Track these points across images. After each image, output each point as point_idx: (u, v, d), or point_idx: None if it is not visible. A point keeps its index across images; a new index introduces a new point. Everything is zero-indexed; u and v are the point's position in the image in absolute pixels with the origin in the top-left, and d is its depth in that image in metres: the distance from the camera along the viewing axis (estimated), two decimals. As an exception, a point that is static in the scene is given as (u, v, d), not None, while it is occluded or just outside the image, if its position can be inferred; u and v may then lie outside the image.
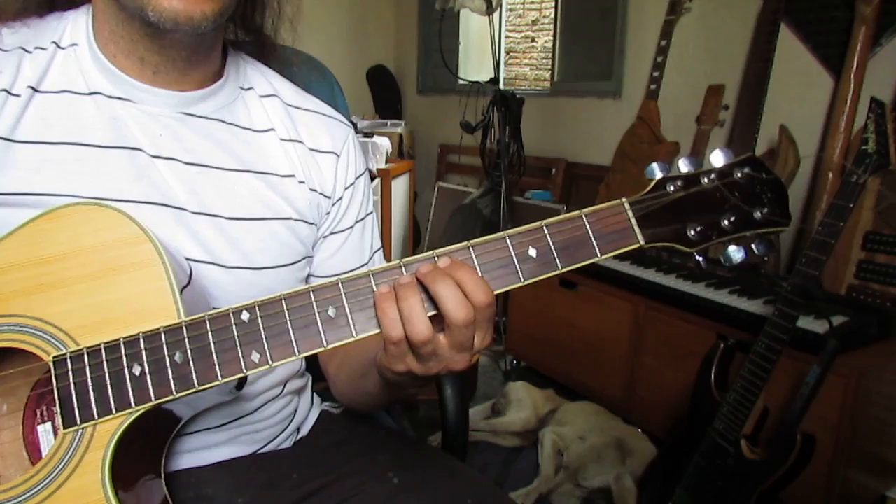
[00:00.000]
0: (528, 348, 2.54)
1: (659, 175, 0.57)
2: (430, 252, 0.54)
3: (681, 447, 1.53)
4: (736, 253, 0.57)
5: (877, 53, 1.97)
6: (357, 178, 0.83)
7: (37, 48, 0.67)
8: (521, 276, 0.54)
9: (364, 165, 0.85)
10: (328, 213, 0.80)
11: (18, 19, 0.69)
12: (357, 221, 0.83)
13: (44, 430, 0.61)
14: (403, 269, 0.53)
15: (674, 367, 1.91)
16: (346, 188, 0.81)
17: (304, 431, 0.87)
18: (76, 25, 0.69)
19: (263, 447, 0.80)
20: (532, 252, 0.54)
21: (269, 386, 0.79)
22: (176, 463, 0.72)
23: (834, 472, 1.52)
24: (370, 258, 0.86)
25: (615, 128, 2.79)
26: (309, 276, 0.82)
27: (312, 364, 0.94)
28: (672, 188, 0.56)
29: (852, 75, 1.94)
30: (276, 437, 0.82)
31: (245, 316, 0.54)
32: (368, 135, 3.05)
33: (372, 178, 0.91)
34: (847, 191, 1.24)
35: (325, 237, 0.81)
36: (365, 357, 0.71)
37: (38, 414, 0.62)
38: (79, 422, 0.54)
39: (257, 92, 0.78)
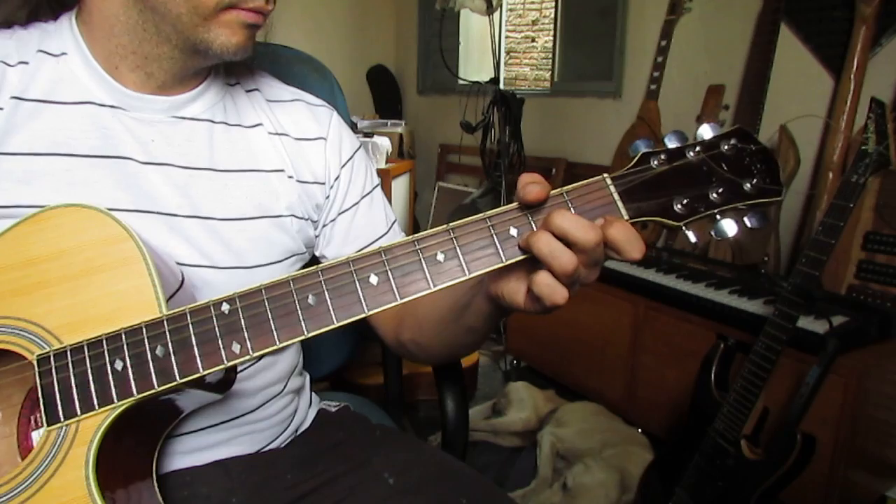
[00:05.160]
0: (528, 348, 2.54)
1: (643, 150, 0.55)
2: (410, 237, 0.54)
3: (681, 447, 1.53)
4: (728, 226, 0.55)
5: (877, 53, 1.97)
6: (353, 154, 0.83)
7: (20, 62, 0.66)
8: (502, 256, 0.52)
9: (357, 142, 0.85)
10: (328, 198, 0.80)
11: (6, 29, 0.68)
12: (363, 196, 0.84)
13: (38, 437, 0.61)
14: (383, 254, 0.53)
15: (674, 367, 1.91)
16: (343, 166, 0.81)
17: (302, 430, 0.87)
18: (61, 34, 0.68)
19: (263, 448, 0.80)
20: (513, 231, 0.53)
21: (269, 382, 0.79)
22: (173, 463, 0.72)
23: (834, 472, 1.52)
24: (389, 227, 0.86)
25: (615, 128, 2.80)
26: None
27: (311, 364, 0.94)
28: (656, 162, 0.54)
29: (852, 75, 1.94)
30: (277, 437, 0.82)
31: (225, 307, 0.54)
32: (368, 135, 3.05)
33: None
34: (847, 191, 1.24)
35: (333, 220, 0.82)
36: (451, 300, 0.68)
37: (33, 420, 0.62)
38: (62, 418, 0.54)
39: (243, 87, 0.79)
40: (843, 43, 2.00)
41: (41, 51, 0.67)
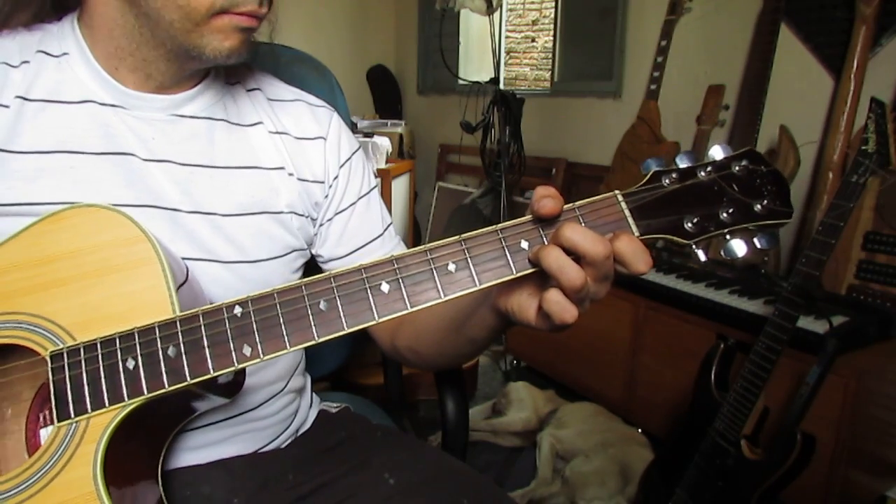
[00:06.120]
0: (528, 348, 2.54)
1: (654, 169, 0.56)
2: (422, 247, 0.54)
3: (681, 447, 1.53)
4: (738, 247, 0.55)
5: (877, 53, 1.97)
6: (352, 155, 0.84)
7: (23, 62, 0.67)
8: (513, 268, 0.53)
9: (356, 143, 0.86)
10: (327, 197, 0.81)
11: (8, 31, 0.70)
12: (360, 197, 0.84)
13: (46, 435, 0.61)
14: (395, 263, 0.53)
15: (674, 367, 1.91)
16: (342, 166, 0.82)
17: (302, 431, 0.88)
18: (63, 35, 0.69)
19: (264, 447, 0.80)
20: (524, 244, 0.53)
21: (270, 380, 0.79)
22: (175, 461, 0.72)
23: (834, 472, 1.52)
24: (385, 230, 0.86)
25: (615, 128, 2.80)
26: (328, 261, 0.83)
27: (311, 364, 0.94)
28: (667, 181, 0.55)
29: (852, 75, 1.94)
30: (278, 436, 0.82)
31: (237, 310, 0.54)
32: (368, 135, 3.05)
33: (373, 179, 0.92)
34: (847, 191, 1.24)
35: (329, 220, 0.82)
36: (454, 311, 0.68)
37: (42, 418, 0.62)
38: (73, 415, 0.54)
39: (244, 86, 0.79)
40: (843, 43, 2.00)
41: (40, 51, 0.68)
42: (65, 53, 0.69)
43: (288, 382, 0.82)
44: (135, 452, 0.59)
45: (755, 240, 0.55)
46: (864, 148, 1.25)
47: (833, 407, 1.49)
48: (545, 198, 0.51)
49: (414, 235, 3.54)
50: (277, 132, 0.78)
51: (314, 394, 0.93)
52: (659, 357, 1.99)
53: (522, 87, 3.65)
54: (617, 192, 0.55)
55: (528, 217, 0.54)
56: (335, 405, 0.94)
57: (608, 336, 2.14)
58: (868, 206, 1.75)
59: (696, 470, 1.45)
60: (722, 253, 0.56)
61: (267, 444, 0.81)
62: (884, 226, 1.73)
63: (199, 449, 0.74)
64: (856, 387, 1.48)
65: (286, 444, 0.84)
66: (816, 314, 1.57)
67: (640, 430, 2.01)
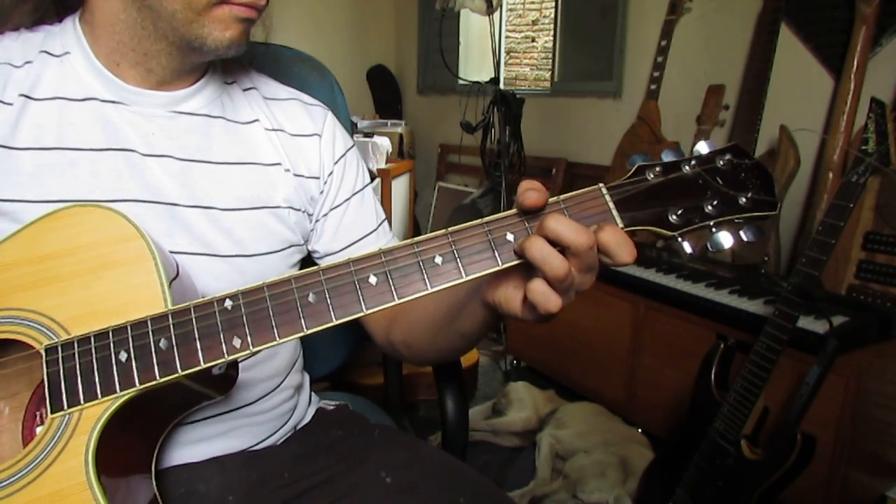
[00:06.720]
0: (528, 348, 2.54)
1: (639, 163, 0.56)
2: (410, 240, 0.55)
3: (681, 447, 1.53)
4: (724, 239, 0.56)
5: (877, 53, 1.98)
6: (346, 152, 0.85)
7: (26, 62, 0.69)
8: (498, 260, 0.53)
9: (350, 141, 0.88)
10: (322, 192, 0.82)
11: (12, 31, 0.71)
12: (354, 193, 0.85)
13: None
14: (383, 256, 0.54)
15: (674, 367, 1.91)
16: (336, 162, 0.83)
17: (299, 428, 0.88)
18: (65, 35, 0.71)
19: (260, 443, 0.80)
20: (510, 237, 0.54)
21: (267, 376, 0.79)
22: (170, 456, 0.72)
23: (834, 472, 1.52)
24: (379, 225, 0.87)
25: (615, 128, 2.80)
26: (323, 256, 0.84)
27: (311, 363, 0.94)
28: (651, 175, 0.55)
29: (852, 75, 1.94)
30: (275, 432, 0.82)
31: (228, 303, 0.55)
32: (368, 135, 3.05)
33: (372, 179, 0.92)
34: (847, 191, 1.24)
35: (325, 215, 0.83)
36: (445, 305, 0.69)
37: (38, 417, 0.63)
38: (66, 407, 0.55)
39: (240, 86, 0.81)
40: (843, 43, 2.00)
41: (43, 51, 0.70)
42: (66, 52, 0.70)
43: (285, 379, 0.83)
44: (129, 445, 0.60)
45: (741, 232, 0.56)
46: (864, 148, 1.25)
47: (833, 407, 1.49)
48: (529, 190, 0.52)
49: (414, 235, 3.54)
50: (274, 129, 0.79)
51: (313, 392, 0.93)
52: (659, 357, 1.99)
53: (522, 87, 3.66)
54: (601, 185, 0.55)
55: (513, 210, 0.54)
56: (333, 403, 0.94)
57: (608, 336, 2.14)
58: (868, 206, 1.75)
59: (696, 470, 1.45)
60: (708, 245, 0.56)
61: (263, 440, 0.81)
62: (884, 226, 1.73)
63: (196, 443, 0.74)
64: (856, 387, 1.48)
65: (283, 440, 0.84)
66: (816, 314, 1.57)
67: (640, 430, 2.01)
